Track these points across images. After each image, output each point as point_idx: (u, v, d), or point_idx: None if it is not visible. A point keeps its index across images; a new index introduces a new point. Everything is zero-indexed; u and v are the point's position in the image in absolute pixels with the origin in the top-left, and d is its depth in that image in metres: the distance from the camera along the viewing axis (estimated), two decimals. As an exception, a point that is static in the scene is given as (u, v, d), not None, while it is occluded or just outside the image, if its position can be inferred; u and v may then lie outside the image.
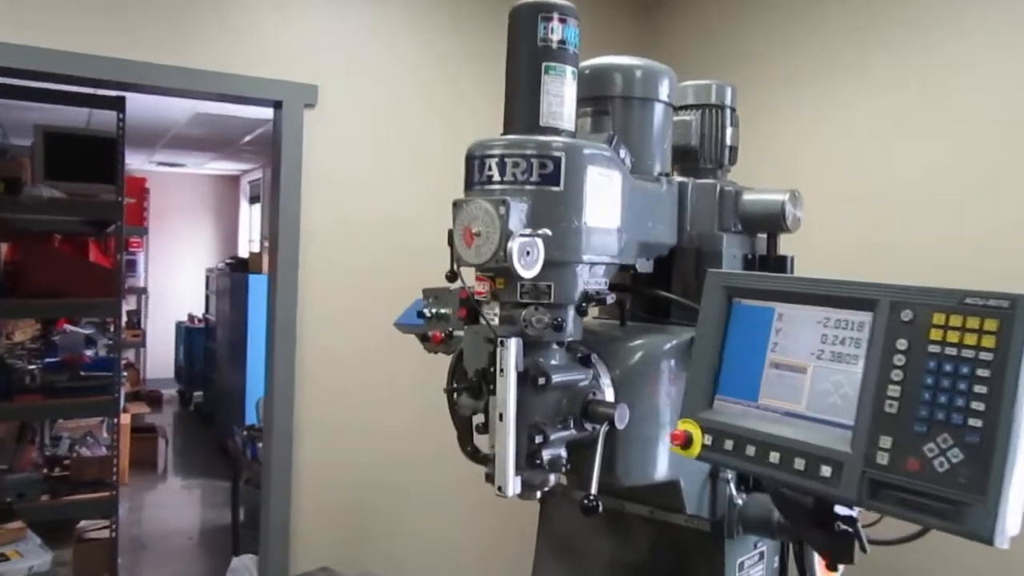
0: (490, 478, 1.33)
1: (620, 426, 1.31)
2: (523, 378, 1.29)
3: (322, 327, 2.84)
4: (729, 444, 1.03)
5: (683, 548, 1.58)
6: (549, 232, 1.23)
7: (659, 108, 1.52)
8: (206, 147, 8.31)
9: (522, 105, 1.33)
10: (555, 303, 1.30)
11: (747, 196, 1.62)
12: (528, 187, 1.26)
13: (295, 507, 2.79)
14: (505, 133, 1.34)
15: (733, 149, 1.72)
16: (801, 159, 3.00)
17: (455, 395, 1.41)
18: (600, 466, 1.28)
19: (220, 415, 7.57)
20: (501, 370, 1.27)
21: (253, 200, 10.64)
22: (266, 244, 6.56)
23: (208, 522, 5.74)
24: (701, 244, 1.59)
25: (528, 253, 1.22)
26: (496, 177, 1.27)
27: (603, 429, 1.32)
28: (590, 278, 1.34)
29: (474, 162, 1.31)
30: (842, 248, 2.78)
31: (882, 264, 2.67)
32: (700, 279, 1.60)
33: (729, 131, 1.70)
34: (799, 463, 0.95)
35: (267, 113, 2.78)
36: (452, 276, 1.38)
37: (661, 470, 1.44)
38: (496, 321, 1.32)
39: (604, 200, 1.32)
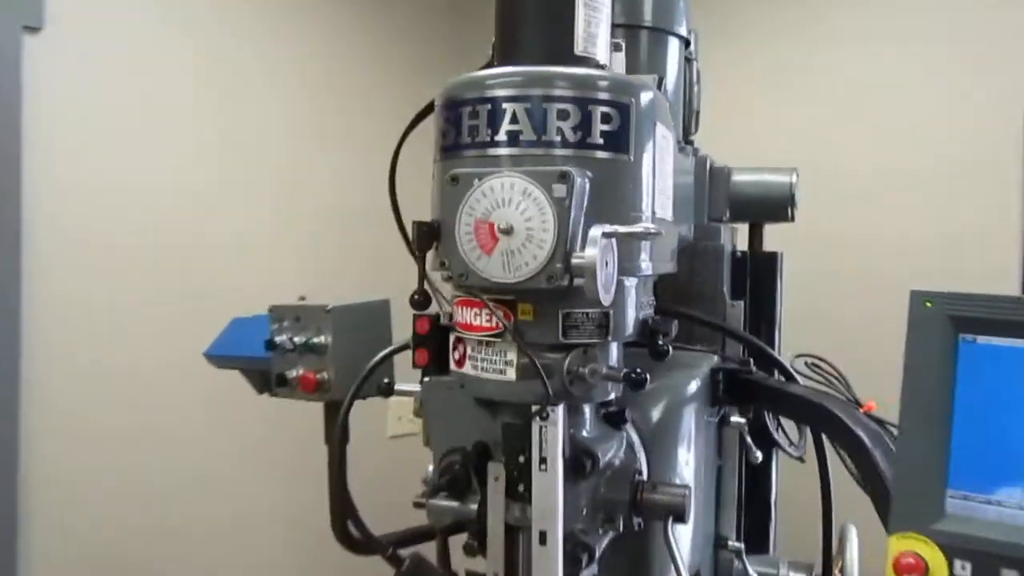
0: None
1: (689, 519, 0.87)
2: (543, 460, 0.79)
3: (61, 339, 1.99)
4: (1014, 577, 0.63)
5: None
6: (655, 228, 0.74)
7: (674, 45, 1.08)
8: None
9: (539, 21, 0.81)
10: (611, 341, 0.81)
11: (740, 176, 1.25)
12: (577, 153, 0.76)
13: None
14: (498, 65, 0.82)
15: (698, 113, 1.33)
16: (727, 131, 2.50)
17: (427, 496, 0.86)
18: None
19: None
20: (543, 460, 0.76)
21: None
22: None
23: None
24: (694, 238, 1.19)
25: (607, 264, 0.72)
26: (526, 135, 0.75)
27: (670, 526, 0.87)
28: (644, 299, 0.87)
29: (473, 110, 0.77)
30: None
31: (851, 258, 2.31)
32: (696, 285, 1.21)
33: (696, 89, 1.31)
34: None
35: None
36: (423, 300, 0.83)
37: (688, 561, 1.03)
38: (509, 373, 0.80)
39: (664, 176, 0.86)
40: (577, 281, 0.71)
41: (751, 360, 1.09)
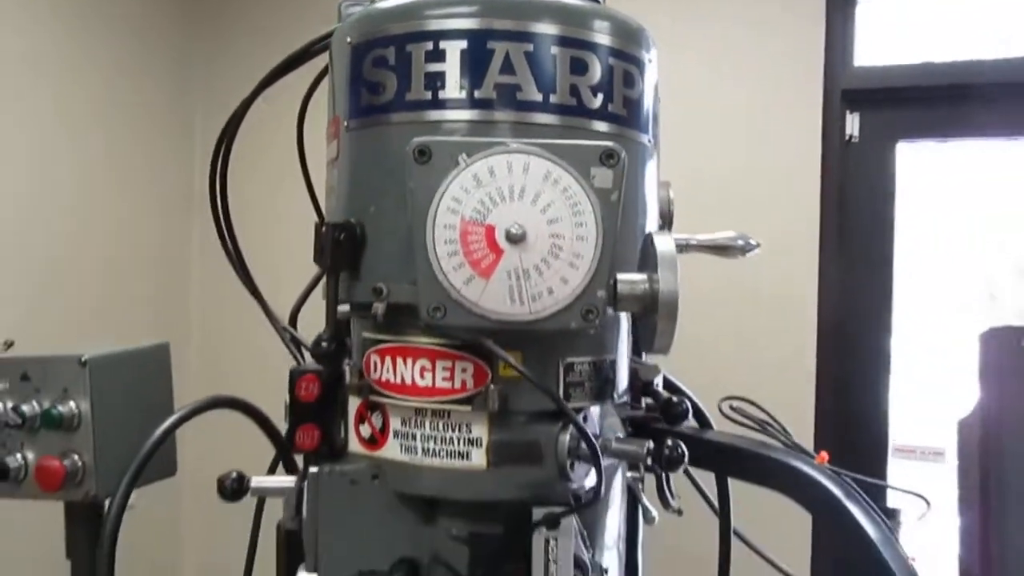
0: None
1: None
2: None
3: None
4: None
5: None
6: (741, 237, 0.52)
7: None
8: None
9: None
10: (616, 401, 0.58)
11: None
12: (600, 128, 0.51)
13: None
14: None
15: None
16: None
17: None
18: None
19: None
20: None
21: None
22: None
23: None
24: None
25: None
26: (526, 92, 0.49)
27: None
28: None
29: (435, 49, 0.50)
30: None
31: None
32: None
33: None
34: None
35: None
36: (335, 349, 0.53)
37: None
38: (476, 457, 0.52)
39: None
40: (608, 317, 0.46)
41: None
